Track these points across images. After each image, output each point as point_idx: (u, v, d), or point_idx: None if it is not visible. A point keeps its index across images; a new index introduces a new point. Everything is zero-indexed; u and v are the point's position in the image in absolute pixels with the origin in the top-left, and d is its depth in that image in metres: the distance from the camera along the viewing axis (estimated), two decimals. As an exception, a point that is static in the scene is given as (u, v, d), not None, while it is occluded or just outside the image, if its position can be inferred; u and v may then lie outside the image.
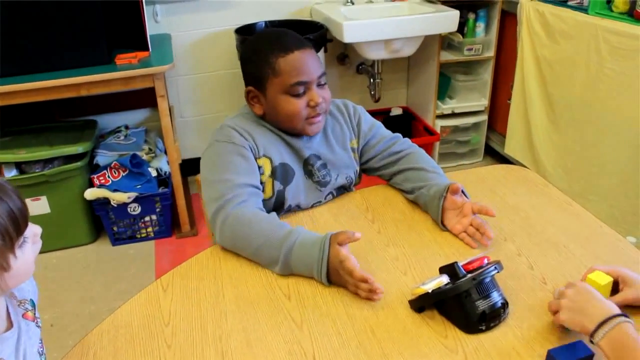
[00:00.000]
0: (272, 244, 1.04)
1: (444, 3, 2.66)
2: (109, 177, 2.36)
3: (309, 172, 1.26)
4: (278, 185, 1.21)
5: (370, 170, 1.37)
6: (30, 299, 0.86)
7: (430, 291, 0.90)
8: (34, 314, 0.85)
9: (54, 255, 2.42)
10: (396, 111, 3.12)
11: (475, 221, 1.12)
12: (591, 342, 0.79)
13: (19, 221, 0.73)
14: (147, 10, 2.29)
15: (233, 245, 1.10)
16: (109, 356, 0.89)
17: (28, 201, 2.30)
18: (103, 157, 2.44)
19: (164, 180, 2.50)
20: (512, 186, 1.34)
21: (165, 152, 2.47)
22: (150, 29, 2.40)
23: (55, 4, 2.07)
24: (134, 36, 2.30)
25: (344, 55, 2.91)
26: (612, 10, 2.07)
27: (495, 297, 0.90)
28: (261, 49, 1.19)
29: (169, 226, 2.52)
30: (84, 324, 2.02)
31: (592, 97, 2.14)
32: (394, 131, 1.37)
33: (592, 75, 2.11)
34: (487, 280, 0.90)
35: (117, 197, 2.33)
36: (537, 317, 0.92)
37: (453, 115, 2.93)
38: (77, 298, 2.17)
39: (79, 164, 2.32)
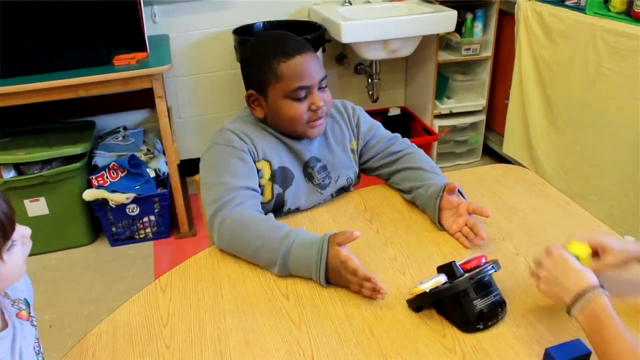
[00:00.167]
0: (270, 246, 1.04)
1: (441, 3, 2.66)
2: (107, 178, 2.36)
3: (309, 175, 1.26)
4: (277, 189, 1.21)
5: (369, 170, 1.37)
6: (24, 298, 0.85)
7: (428, 290, 0.90)
8: (29, 312, 0.84)
9: (53, 256, 2.42)
10: (394, 111, 3.12)
11: (469, 221, 1.12)
12: (569, 314, 0.82)
13: (5, 225, 0.71)
14: (145, 11, 2.29)
15: (231, 248, 1.10)
16: (108, 357, 0.89)
17: (27, 202, 2.30)
18: (102, 158, 2.44)
19: (162, 181, 2.50)
20: (511, 186, 1.34)
21: (164, 153, 2.48)
22: (149, 29, 2.40)
23: (53, 5, 2.07)
24: (132, 37, 2.31)
25: (342, 56, 2.91)
26: (609, 10, 2.07)
27: (493, 296, 0.90)
28: (262, 54, 1.18)
29: (167, 227, 2.52)
30: (83, 325, 2.02)
31: (590, 97, 2.14)
32: (392, 131, 1.37)
33: (590, 75, 2.12)
34: (485, 279, 0.90)
35: (116, 198, 2.34)
36: (534, 315, 0.92)
37: (451, 115, 2.94)
38: (76, 299, 2.17)
39: (77, 164, 2.32)
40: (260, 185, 1.19)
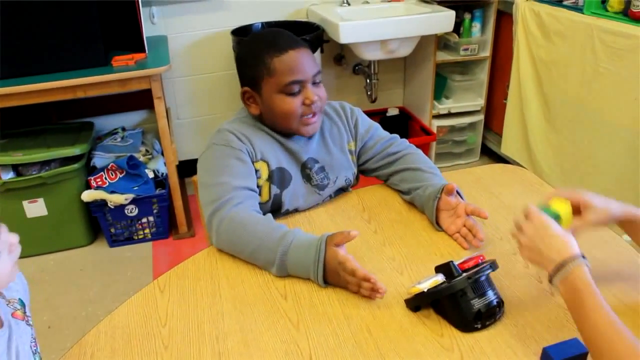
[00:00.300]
0: (268, 246, 1.04)
1: (439, 3, 2.66)
2: (106, 178, 2.36)
3: (307, 176, 1.26)
4: (275, 189, 1.22)
5: (368, 171, 1.37)
6: (19, 298, 0.85)
7: (426, 290, 0.90)
8: (24, 312, 0.84)
9: (52, 257, 2.42)
10: (393, 111, 3.12)
11: (467, 222, 1.12)
12: (550, 283, 0.83)
13: None
14: (143, 12, 2.28)
15: (229, 248, 1.10)
16: (107, 357, 0.89)
17: (25, 203, 2.30)
18: (100, 159, 2.44)
19: (161, 181, 2.50)
20: (509, 185, 1.34)
21: (162, 154, 2.48)
22: (147, 30, 2.40)
23: (51, 6, 2.07)
24: (130, 38, 2.30)
25: (340, 56, 2.91)
26: (607, 10, 2.08)
27: (491, 295, 0.90)
28: (256, 50, 1.19)
29: (166, 227, 2.52)
30: (82, 326, 2.02)
31: (587, 97, 2.15)
32: (390, 131, 1.37)
33: (587, 75, 2.12)
34: (483, 279, 0.90)
35: (115, 199, 2.34)
36: (532, 315, 0.92)
37: (449, 115, 2.94)
38: (75, 300, 2.16)
39: (76, 165, 2.32)
40: (257, 186, 1.19)
